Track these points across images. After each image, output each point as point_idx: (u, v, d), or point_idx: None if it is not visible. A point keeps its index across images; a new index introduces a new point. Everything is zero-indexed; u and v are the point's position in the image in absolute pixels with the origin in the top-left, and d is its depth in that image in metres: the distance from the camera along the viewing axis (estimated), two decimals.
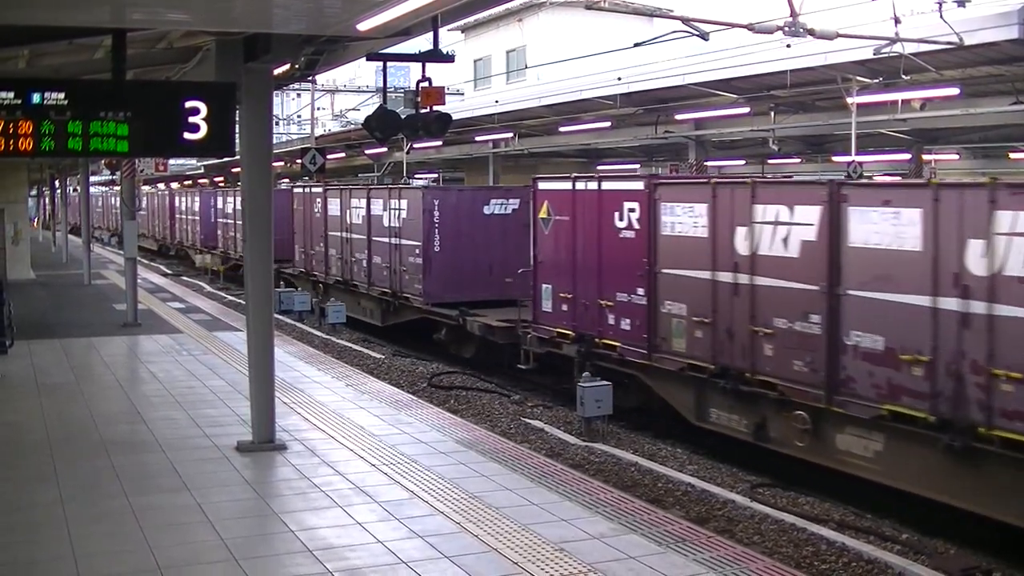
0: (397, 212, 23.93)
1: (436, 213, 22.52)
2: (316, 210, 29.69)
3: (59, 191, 51.61)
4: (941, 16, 15.57)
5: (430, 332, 22.87)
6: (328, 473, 10.00)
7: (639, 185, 15.70)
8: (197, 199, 45.84)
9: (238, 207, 33.90)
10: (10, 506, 8.95)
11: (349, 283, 27.20)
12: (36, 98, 8.73)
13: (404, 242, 23.50)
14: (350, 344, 22.51)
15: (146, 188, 66.64)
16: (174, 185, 67.85)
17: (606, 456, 13.22)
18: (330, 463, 10.36)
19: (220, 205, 42.09)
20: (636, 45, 18.58)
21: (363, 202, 26.12)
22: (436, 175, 47.38)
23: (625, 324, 15.72)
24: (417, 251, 22.78)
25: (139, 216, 56.16)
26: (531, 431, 14.78)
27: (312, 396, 13.78)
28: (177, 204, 51.15)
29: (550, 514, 8.73)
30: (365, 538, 8.12)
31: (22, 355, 16.80)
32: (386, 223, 24.51)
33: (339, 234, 27.84)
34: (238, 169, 14.78)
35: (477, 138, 32.91)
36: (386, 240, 24.47)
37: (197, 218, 45.18)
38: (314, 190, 30.56)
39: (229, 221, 39.66)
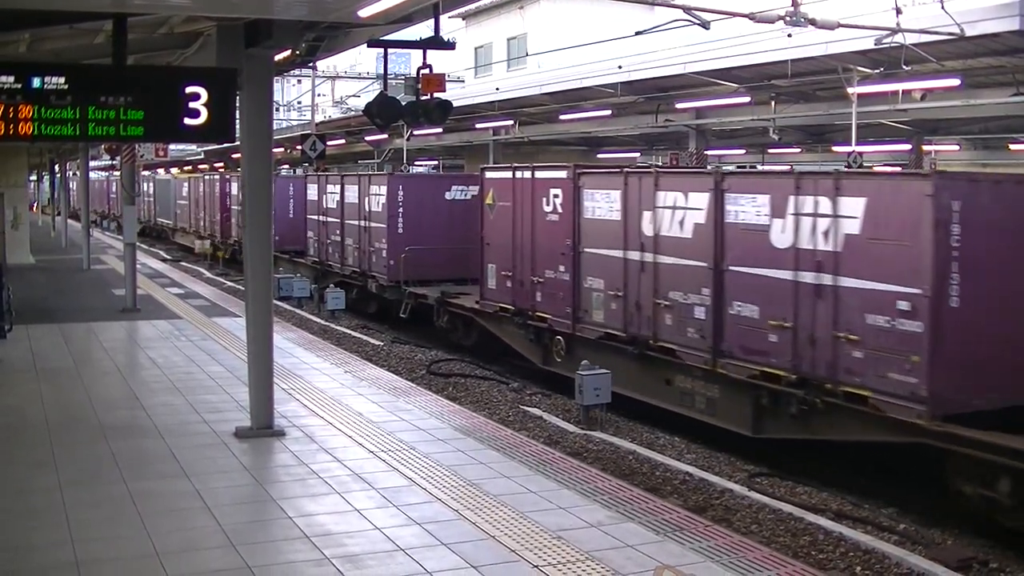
0: (822, 224, 12.36)
1: (955, 228, 11.22)
2: (596, 208, 16.61)
3: (59, 176, 51.51)
4: (942, 7, 15.55)
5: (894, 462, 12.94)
6: (326, 459, 10.01)
7: None
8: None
9: (352, 199, 26.85)
10: (9, 491, 8.97)
11: (645, 342, 15.36)
12: (36, 82, 8.74)
13: (857, 285, 11.87)
14: (349, 331, 22.51)
15: (163, 170, 64.38)
16: (195, 166, 64.37)
17: (604, 444, 13.24)
18: (328, 449, 10.38)
19: (313, 195, 30.60)
20: (637, 33, 18.56)
21: (769, 202, 13.19)
22: (436, 162, 47.35)
23: None
24: (906, 305, 11.29)
25: (178, 207, 49.51)
26: (529, 419, 14.79)
27: (311, 382, 13.79)
28: (234, 193, 39.01)
29: (548, 502, 8.75)
30: (363, 525, 8.13)
31: (21, 340, 16.80)
32: (805, 241, 12.57)
33: (638, 257, 15.51)
34: (238, 155, 14.77)
35: (477, 125, 32.85)
36: (806, 280, 12.55)
37: None
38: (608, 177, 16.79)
39: (333, 220, 28.55)
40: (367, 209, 25.84)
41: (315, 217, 30.01)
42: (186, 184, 48.00)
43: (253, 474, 9.71)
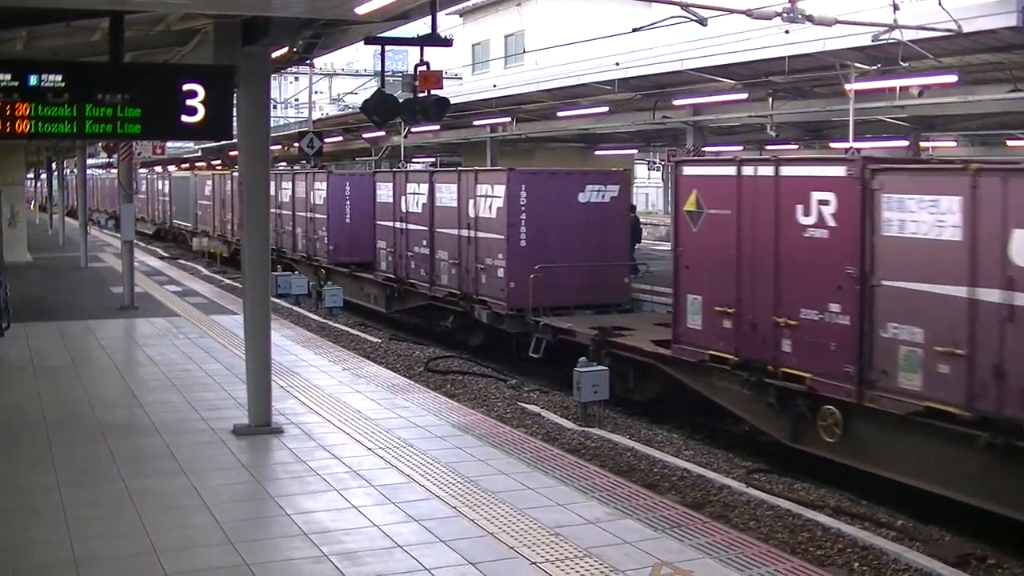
0: None
1: None
2: (908, 221, 11.61)
3: (56, 173, 51.44)
4: (940, 3, 15.54)
5: None
6: (324, 457, 10.02)
7: None
8: (322, 185, 28.90)
9: (447, 201, 21.76)
10: (7, 489, 8.96)
11: (1016, 429, 10.45)
12: (33, 80, 8.74)
13: None
14: (347, 328, 22.52)
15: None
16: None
17: (602, 441, 13.25)
18: (326, 447, 10.38)
19: (387, 197, 25.24)
20: (634, 30, 18.53)
21: None
22: (433, 159, 47.34)
23: None
24: None
25: (200, 208, 44.17)
26: (527, 416, 14.80)
27: (309, 380, 13.79)
28: (271, 193, 32.41)
29: (546, 498, 8.75)
30: (361, 522, 8.13)
31: (19, 338, 16.79)
32: None
33: None
34: (236, 152, 14.77)
35: (475, 122, 32.84)
36: None
37: (318, 216, 29.19)
38: None
39: (418, 228, 23.28)
40: (473, 215, 20.73)
41: (389, 223, 24.80)
42: (209, 182, 42.01)
43: (251, 471, 9.71)
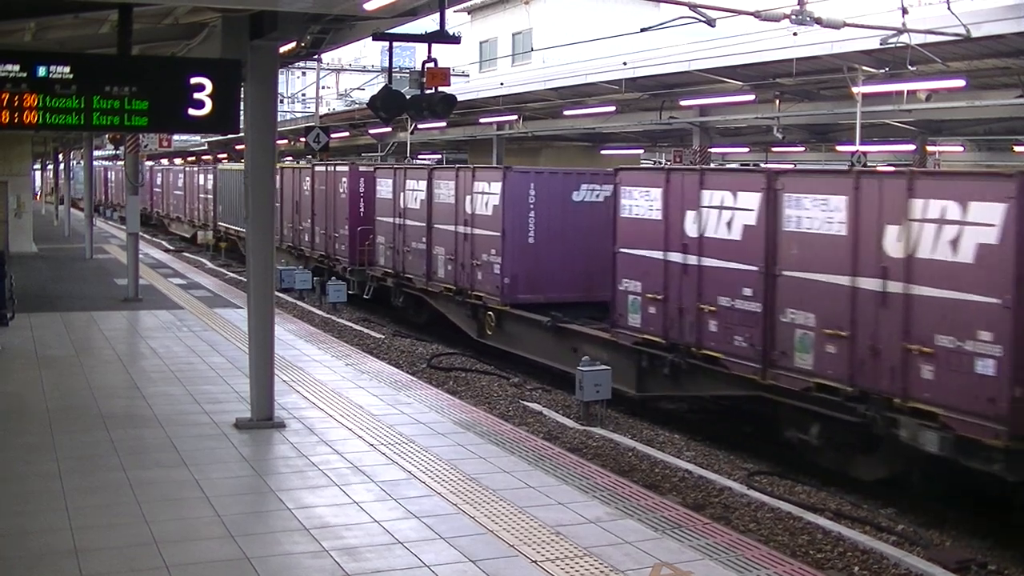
0: None
1: None
2: None
3: (62, 165, 51.46)
4: (948, 7, 15.54)
5: None
6: (326, 452, 10.02)
7: None
8: (491, 187, 19.58)
9: (813, 226, 11.97)
10: (7, 476, 8.97)
11: None
12: (41, 71, 8.77)
13: None
14: (350, 323, 22.52)
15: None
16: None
17: (604, 440, 13.24)
18: (328, 442, 10.38)
19: (643, 209, 15.57)
20: (642, 30, 18.53)
21: None
22: (439, 156, 47.35)
23: None
24: None
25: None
26: (529, 414, 14.79)
27: (311, 375, 13.79)
28: (384, 196, 24.69)
29: (547, 497, 8.75)
30: (362, 517, 8.14)
31: (23, 328, 16.82)
32: None
33: None
34: (242, 147, 14.77)
35: (481, 120, 32.89)
36: None
37: (480, 232, 19.92)
38: None
39: (727, 268, 13.71)
40: (899, 254, 11.39)
41: (656, 254, 15.22)
42: (277, 179, 28.03)
43: (252, 465, 9.72)
